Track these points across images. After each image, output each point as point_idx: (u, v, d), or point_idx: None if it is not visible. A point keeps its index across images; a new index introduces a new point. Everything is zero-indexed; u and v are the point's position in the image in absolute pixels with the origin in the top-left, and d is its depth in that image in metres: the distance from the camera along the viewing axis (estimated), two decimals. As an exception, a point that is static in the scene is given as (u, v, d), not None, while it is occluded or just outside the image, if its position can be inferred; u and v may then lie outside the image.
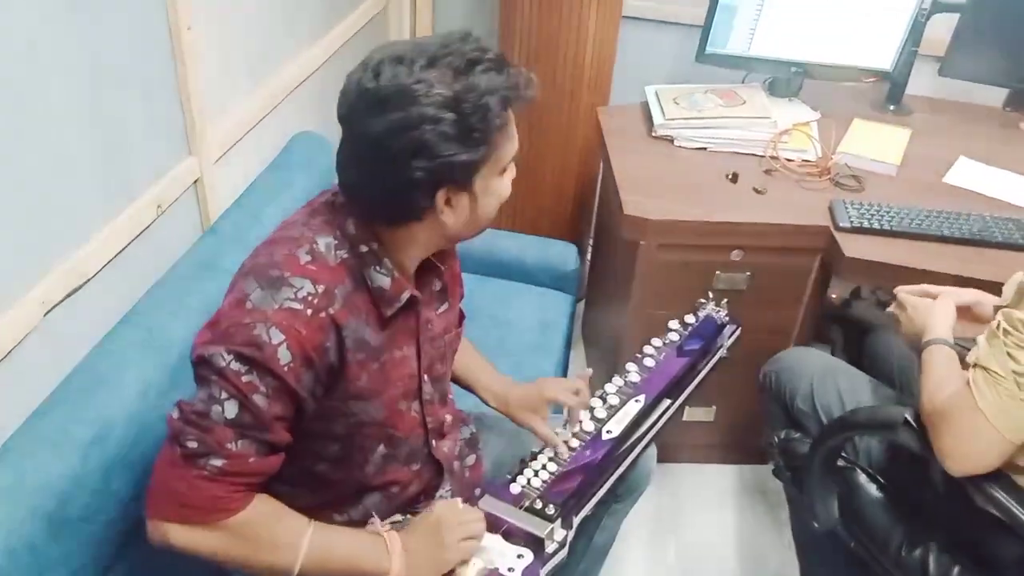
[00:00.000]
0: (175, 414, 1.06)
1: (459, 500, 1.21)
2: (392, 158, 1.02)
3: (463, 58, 1.03)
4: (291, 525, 1.13)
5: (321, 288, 1.07)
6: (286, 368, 1.03)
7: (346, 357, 1.10)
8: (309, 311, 1.05)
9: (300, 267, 1.08)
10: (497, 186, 1.13)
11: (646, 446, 1.43)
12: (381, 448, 1.24)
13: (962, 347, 1.37)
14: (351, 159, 1.09)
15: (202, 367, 1.05)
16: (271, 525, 1.11)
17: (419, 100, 1.00)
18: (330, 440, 1.19)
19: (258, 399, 1.03)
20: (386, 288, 1.13)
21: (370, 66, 1.04)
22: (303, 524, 1.13)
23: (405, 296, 1.15)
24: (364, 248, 1.12)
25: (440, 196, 1.06)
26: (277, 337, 1.02)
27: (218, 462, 1.04)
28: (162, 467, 1.06)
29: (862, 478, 1.52)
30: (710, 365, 1.56)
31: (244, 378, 1.03)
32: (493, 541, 1.21)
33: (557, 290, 2.17)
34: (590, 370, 1.49)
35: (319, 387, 1.10)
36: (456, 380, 1.47)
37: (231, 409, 1.03)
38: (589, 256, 2.73)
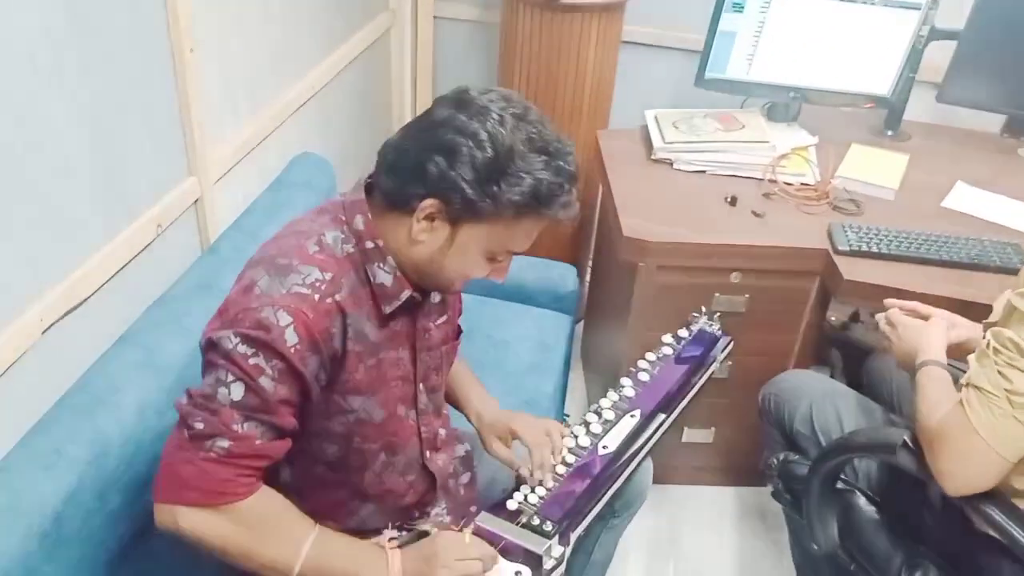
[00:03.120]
0: (183, 400, 1.07)
1: (466, 534, 1.18)
2: (427, 140, 1.08)
3: (544, 141, 1.09)
4: (297, 521, 1.12)
5: (328, 275, 1.09)
6: (292, 350, 1.04)
7: (346, 346, 1.12)
8: (316, 296, 1.07)
9: (308, 256, 1.10)
10: (474, 256, 1.14)
11: (642, 460, 1.43)
12: (383, 456, 1.25)
13: (956, 369, 1.38)
14: (407, 125, 1.15)
15: (210, 351, 1.07)
16: (278, 517, 1.11)
17: (484, 122, 1.06)
18: (328, 440, 1.19)
19: (264, 381, 1.04)
20: (387, 285, 1.15)
21: (490, 87, 1.12)
22: (308, 524, 1.13)
23: (405, 295, 1.16)
24: (370, 244, 1.14)
25: (428, 203, 1.08)
26: (284, 319, 1.04)
27: (224, 443, 1.04)
28: (170, 451, 1.06)
29: (861, 500, 1.52)
30: (704, 378, 1.57)
31: (251, 360, 1.04)
32: None
33: (556, 311, 2.17)
34: (568, 416, 1.48)
35: (323, 373, 1.11)
36: (446, 395, 1.47)
37: (237, 391, 1.04)
38: (588, 277, 2.73)
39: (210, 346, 1.07)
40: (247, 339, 1.04)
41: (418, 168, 1.08)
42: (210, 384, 1.05)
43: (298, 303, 1.05)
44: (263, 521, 1.09)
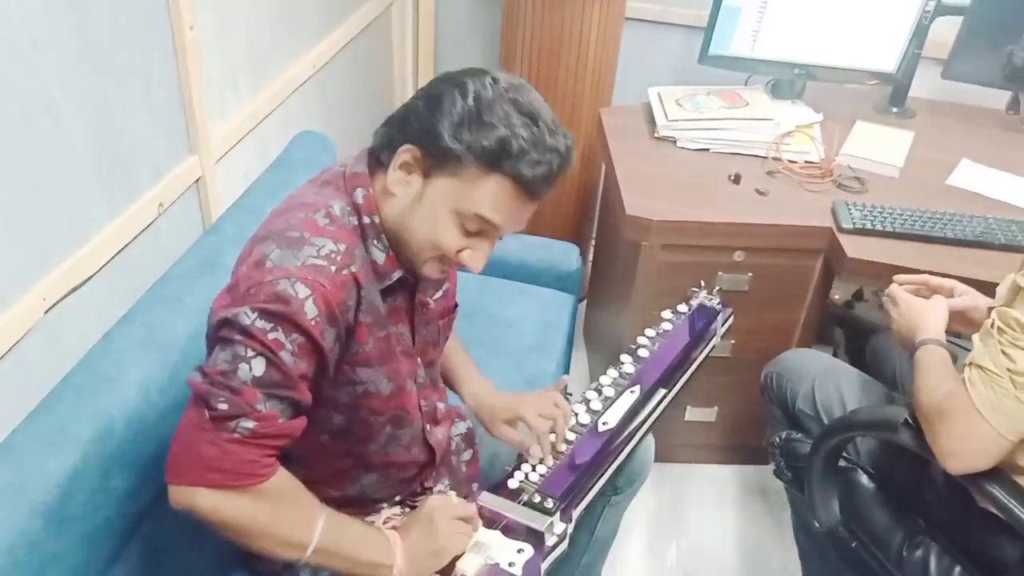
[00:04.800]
0: (198, 378, 1.04)
1: (453, 494, 1.21)
2: (419, 92, 1.12)
3: (534, 111, 1.08)
4: (309, 499, 1.12)
5: (342, 246, 1.08)
6: (313, 323, 1.03)
7: (358, 318, 1.11)
8: (333, 267, 1.06)
9: (319, 228, 1.09)
10: (442, 215, 1.10)
11: (643, 436, 1.44)
12: (388, 429, 1.25)
13: (956, 346, 1.37)
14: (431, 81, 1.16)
15: (224, 328, 1.03)
16: (293, 495, 1.10)
17: (476, 80, 1.08)
18: (334, 410, 1.18)
19: (285, 356, 1.02)
20: (379, 263, 1.15)
21: (512, 78, 1.12)
22: (318, 503, 1.13)
23: (396, 275, 1.16)
24: (367, 220, 1.13)
25: (405, 147, 1.09)
26: (303, 292, 1.02)
27: (249, 424, 1.02)
28: (189, 431, 1.03)
29: (863, 478, 1.52)
30: (705, 352, 1.57)
31: (270, 335, 1.01)
32: (493, 537, 1.21)
33: (559, 290, 2.17)
34: (567, 376, 1.49)
35: (338, 346, 1.10)
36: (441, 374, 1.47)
37: (258, 367, 1.01)
38: (591, 256, 2.73)
39: (223, 324, 1.03)
40: (265, 313, 1.01)
41: (404, 116, 1.11)
42: (227, 361, 1.02)
43: (315, 275, 1.04)
44: (281, 499, 1.08)
